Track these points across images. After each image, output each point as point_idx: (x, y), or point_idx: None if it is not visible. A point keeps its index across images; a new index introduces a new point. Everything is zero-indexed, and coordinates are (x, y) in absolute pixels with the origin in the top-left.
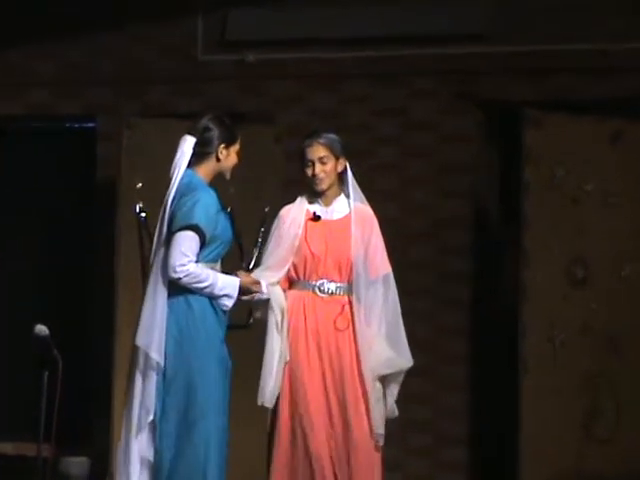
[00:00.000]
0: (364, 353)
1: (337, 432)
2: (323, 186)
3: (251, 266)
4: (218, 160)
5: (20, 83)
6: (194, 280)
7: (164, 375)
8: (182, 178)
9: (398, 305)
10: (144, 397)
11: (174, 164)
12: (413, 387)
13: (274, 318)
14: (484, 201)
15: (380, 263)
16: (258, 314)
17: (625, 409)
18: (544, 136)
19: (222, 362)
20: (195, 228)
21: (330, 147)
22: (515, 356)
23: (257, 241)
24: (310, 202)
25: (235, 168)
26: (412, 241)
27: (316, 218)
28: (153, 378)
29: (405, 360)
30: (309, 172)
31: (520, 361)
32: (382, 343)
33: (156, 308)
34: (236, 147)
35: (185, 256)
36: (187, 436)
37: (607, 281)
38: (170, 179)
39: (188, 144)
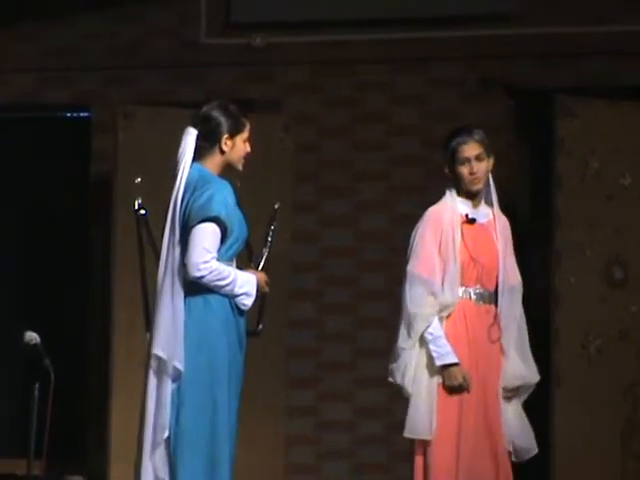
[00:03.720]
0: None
1: (485, 447)
2: (480, 185)
3: (260, 266)
4: (222, 152)
5: (1, 69)
6: (217, 278)
7: (179, 384)
8: (190, 173)
9: (524, 316)
10: (158, 411)
11: (178, 159)
12: None
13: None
14: (513, 197)
15: (514, 272)
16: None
17: None
18: (578, 126)
19: (237, 370)
20: (216, 220)
21: (484, 144)
22: (547, 365)
23: (267, 240)
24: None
25: (247, 158)
26: None
27: (471, 221)
28: (169, 390)
29: (533, 373)
30: (466, 170)
31: (552, 371)
32: (515, 355)
33: (176, 314)
34: (243, 136)
35: (208, 252)
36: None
37: None
38: (175, 176)
39: (191, 137)
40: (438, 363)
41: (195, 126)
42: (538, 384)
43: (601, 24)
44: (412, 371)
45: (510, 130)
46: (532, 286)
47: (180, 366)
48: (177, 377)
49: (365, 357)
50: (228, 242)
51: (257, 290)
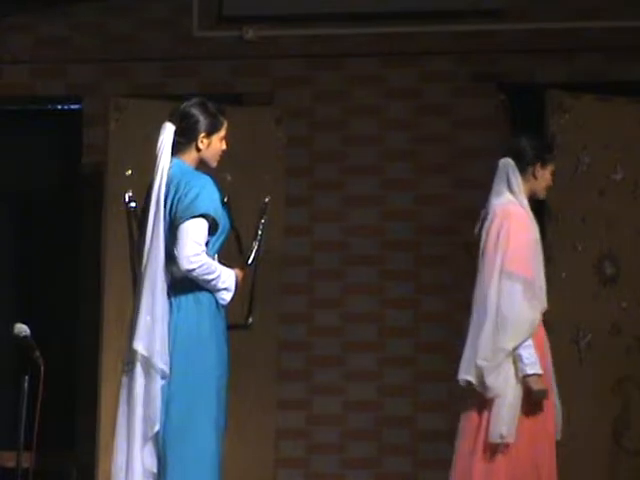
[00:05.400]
0: None
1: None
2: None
3: (250, 261)
4: (198, 150)
5: None
6: (206, 271)
7: (169, 380)
8: (171, 168)
9: None
10: (148, 407)
11: (157, 153)
12: (429, 394)
13: None
14: None
15: None
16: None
17: None
18: (570, 121)
19: (224, 364)
20: (205, 216)
21: None
22: None
23: (257, 234)
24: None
25: (222, 155)
26: (425, 234)
27: None
28: (158, 385)
29: None
30: (551, 182)
31: None
32: None
33: (156, 310)
34: (220, 134)
35: (199, 245)
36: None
37: (638, 278)
38: (155, 170)
39: (168, 132)
40: (530, 371)
41: (173, 122)
42: None
43: (593, 19)
44: (505, 374)
45: (501, 125)
46: None
47: (161, 364)
48: (162, 374)
49: (355, 350)
50: (215, 236)
51: (236, 286)
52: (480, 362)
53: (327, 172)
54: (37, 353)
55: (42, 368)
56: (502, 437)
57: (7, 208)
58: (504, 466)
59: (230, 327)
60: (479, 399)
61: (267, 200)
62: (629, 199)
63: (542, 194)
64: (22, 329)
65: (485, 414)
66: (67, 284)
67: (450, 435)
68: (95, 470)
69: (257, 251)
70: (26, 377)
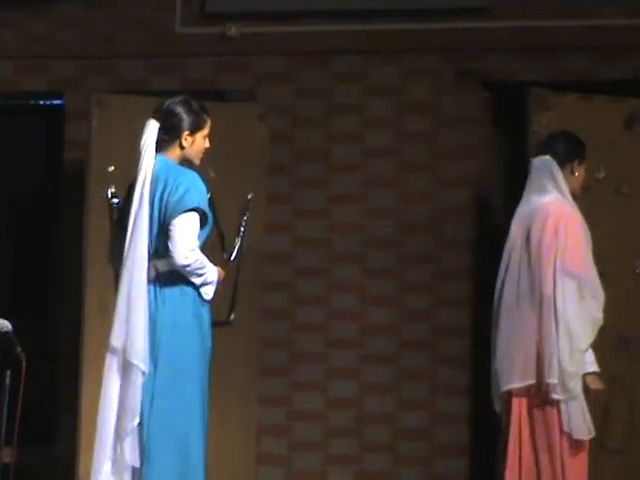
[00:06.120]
0: None
1: None
2: None
3: (232, 257)
4: (182, 147)
5: None
6: (199, 266)
7: (154, 372)
8: (156, 164)
9: None
10: (127, 400)
11: (141, 149)
12: (411, 392)
13: None
14: (488, 187)
15: None
16: None
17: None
18: (552, 118)
19: (208, 355)
20: (196, 209)
21: None
22: None
23: (240, 230)
24: None
25: (205, 153)
26: (409, 233)
27: None
28: (136, 380)
29: None
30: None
31: None
32: None
33: (137, 305)
34: (203, 132)
35: (194, 240)
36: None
37: (620, 277)
38: (139, 166)
39: (152, 129)
40: (590, 369)
41: (157, 119)
42: None
43: (578, 18)
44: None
45: (485, 122)
46: None
47: (139, 359)
48: (143, 368)
49: (337, 348)
50: (202, 230)
51: (217, 282)
52: (565, 366)
53: (309, 169)
54: (18, 349)
55: (23, 364)
56: (590, 433)
57: None
58: (586, 459)
59: (212, 324)
60: (538, 401)
61: (250, 197)
62: (611, 198)
63: (578, 191)
64: (3, 325)
65: (550, 415)
66: (49, 279)
67: (430, 433)
68: (76, 465)
69: (239, 248)
70: (7, 373)
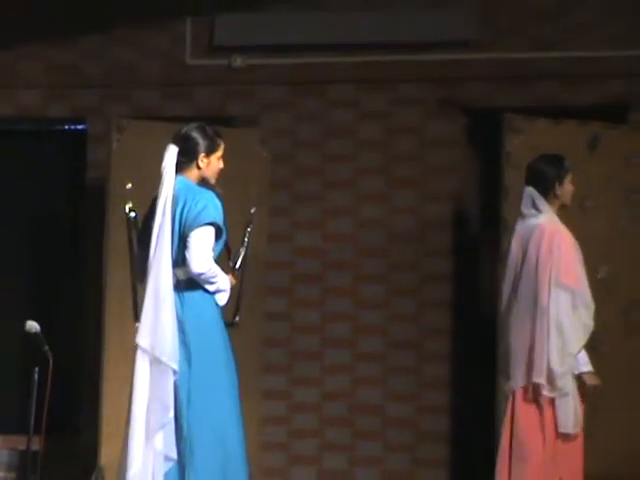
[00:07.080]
0: None
1: None
2: None
3: (237, 265)
4: (199, 168)
5: (8, 85)
6: (212, 275)
7: (189, 370)
8: (176, 184)
9: None
10: (160, 396)
11: (162, 172)
12: (398, 386)
13: None
14: (464, 205)
15: None
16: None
17: (601, 410)
18: (524, 141)
19: (229, 349)
20: (214, 224)
21: None
22: (494, 359)
23: (244, 241)
24: None
25: (220, 173)
26: (396, 242)
27: None
28: (168, 378)
29: None
30: (573, 188)
31: (499, 366)
32: None
33: (165, 308)
34: (218, 154)
35: (208, 251)
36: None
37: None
38: (160, 186)
39: (171, 153)
40: (585, 369)
41: (176, 144)
42: (487, 379)
43: (548, 50)
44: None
45: (464, 144)
46: (482, 287)
47: (167, 360)
48: (174, 366)
49: (332, 347)
50: (217, 243)
51: (229, 290)
52: (555, 367)
53: (307, 186)
54: (46, 347)
55: (51, 361)
56: (574, 427)
57: (21, 217)
58: (581, 448)
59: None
60: (535, 400)
61: (253, 211)
62: (577, 213)
63: (569, 201)
64: (33, 326)
65: (546, 412)
66: (73, 287)
67: (414, 422)
68: (98, 452)
69: (244, 257)
70: (36, 369)
